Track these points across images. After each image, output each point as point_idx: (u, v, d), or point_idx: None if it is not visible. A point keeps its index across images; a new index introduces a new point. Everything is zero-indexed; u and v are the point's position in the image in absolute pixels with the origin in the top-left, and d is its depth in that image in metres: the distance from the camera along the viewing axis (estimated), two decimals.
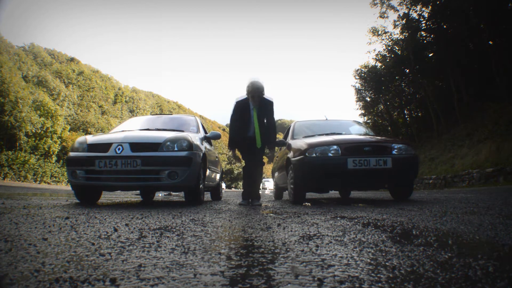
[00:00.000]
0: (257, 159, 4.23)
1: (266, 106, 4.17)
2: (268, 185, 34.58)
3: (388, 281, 0.76)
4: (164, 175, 3.56)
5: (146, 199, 5.76)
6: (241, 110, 4.18)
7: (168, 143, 3.69)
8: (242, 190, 4.46)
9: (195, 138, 4.11)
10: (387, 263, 0.92)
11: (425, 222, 1.87)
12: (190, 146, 3.78)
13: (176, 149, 3.69)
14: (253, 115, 4.14)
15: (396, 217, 2.22)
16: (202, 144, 4.31)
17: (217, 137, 4.91)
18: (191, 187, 3.87)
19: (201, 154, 4.04)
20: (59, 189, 13.79)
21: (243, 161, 4.39)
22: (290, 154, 4.41)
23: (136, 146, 3.61)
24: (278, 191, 6.63)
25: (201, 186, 4.15)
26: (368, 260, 0.97)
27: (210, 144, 5.51)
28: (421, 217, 2.20)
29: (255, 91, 4.09)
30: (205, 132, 5.08)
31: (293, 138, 5.02)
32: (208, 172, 4.75)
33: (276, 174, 6.42)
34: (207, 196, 6.65)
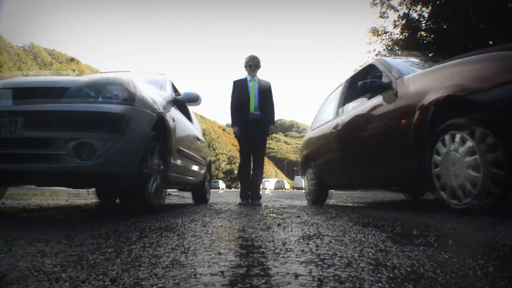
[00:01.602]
0: (258, 158, 4.15)
1: (265, 85, 4.20)
2: (268, 185, 34.51)
3: (388, 281, 0.76)
4: (67, 149, 1.84)
5: (107, 201, 4.06)
6: (238, 88, 4.20)
7: (85, 89, 2.02)
8: (240, 190, 4.40)
9: (147, 89, 2.42)
10: (387, 263, 0.92)
11: (425, 222, 1.87)
12: (130, 97, 2.09)
13: (100, 99, 2.00)
14: (250, 86, 4.15)
15: (396, 217, 2.22)
16: (167, 109, 2.70)
17: (193, 99, 3.27)
18: (124, 178, 2.13)
19: (155, 118, 2.33)
20: (59, 189, 13.75)
21: (240, 159, 4.33)
22: (444, 94, 2.10)
23: (23, 94, 1.98)
24: (322, 190, 4.22)
25: (154, 181, 2.43)
26: (368, 260, 0.97)
27: (189, 116, 3.82)
28: (421, 217, 2.20)
29: (253, 60, 4.20)
30: (176, 94, 3.40)
31: (400, 75, 2.68)
32: (180, 160, 3.14)
33: (318, 160, 4.16)
34: (187, 200, 5.54)
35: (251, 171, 4.23)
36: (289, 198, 6.52)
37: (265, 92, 4.18)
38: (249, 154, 4.15)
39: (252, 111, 4.08)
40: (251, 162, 4.19)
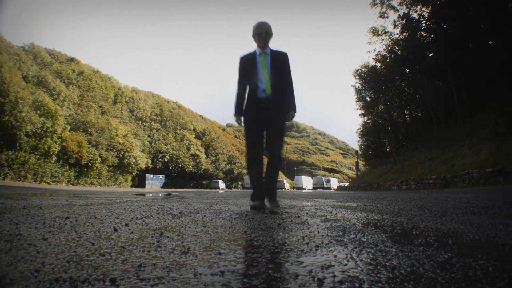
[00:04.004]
0: (272, 146, 3.18)
1: (279, 58, 3.27)
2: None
3: (388, 281, 0.76)
4: None
5: None
6: (245, 66, 3.29)
7: None
8: (252, 189, 3.33)
9: None
10: (387, 263, 0.92)
11: (425, 222, 1.87)
12: None
13: None
14: (261, 61, 3.20)
15: (396, 217, 2.22)
16: None
17: None
18: None
19: None
20: (59, 189, 13.77)
21: (246, 154, 3.36)
22: None
23: None
24: None
25: None
26: (368, 260, 0.97)
27: None
28: (421, 217, 2.20)
29: (262, 27, 3.23)
30: None
31: None
32: None
33: None
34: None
35: (264, 167, 3.26)
36: (289, 198, 6.51)
37: (281, 67, 3.25)
38: (259, 146, 3.22)
39: (269, 92, 3.16)
40: (262, 155, 3.27)
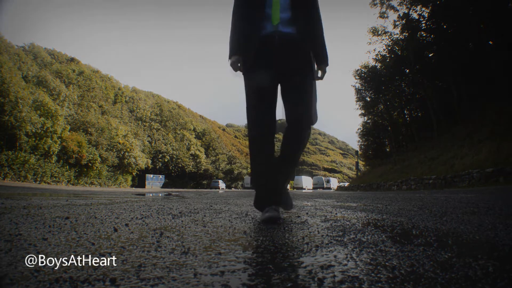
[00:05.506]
0: (298, 102, 1.97)
1: None
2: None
3: (388, 281, 0.76)
4: None
5: None
6: None
7: None
8: (252, 181, 2.09)
9: None
10: (387, 263, 0.92)
11: (425, 222, 1.87)
12: None
13: None
14: None
15: (396, 217, 2.22)
16: None
17: None
18: None
19: None
20: (59, 189, 13.77)
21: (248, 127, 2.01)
22: None
23: None
24: None
25: None
26: (368, 260, 0.97)
27: None
28: (421, 217, 2.20)
29: None
30: None
31: None
32: None
33: None
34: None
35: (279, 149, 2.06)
36: None
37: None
38: (268, 117, 1.96)
39: (276, 23, 1.93)
40: (273, 134, 1.98)
